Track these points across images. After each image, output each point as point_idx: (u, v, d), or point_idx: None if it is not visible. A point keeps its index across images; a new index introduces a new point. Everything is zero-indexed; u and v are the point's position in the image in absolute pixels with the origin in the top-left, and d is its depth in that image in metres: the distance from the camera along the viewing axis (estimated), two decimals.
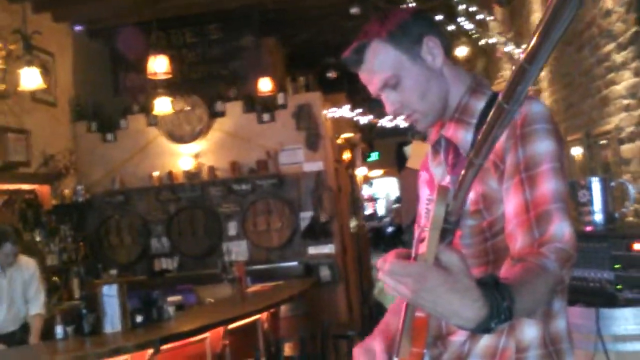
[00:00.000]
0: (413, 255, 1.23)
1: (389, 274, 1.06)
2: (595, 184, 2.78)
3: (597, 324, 2.48)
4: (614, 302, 2.53)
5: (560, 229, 1.29)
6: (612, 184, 2.87)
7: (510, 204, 1.36)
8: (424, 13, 1.57)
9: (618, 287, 2.54)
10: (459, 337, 1.46)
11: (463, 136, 1.48)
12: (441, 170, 1.53)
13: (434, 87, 1.50)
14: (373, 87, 1.53)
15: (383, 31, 1.49)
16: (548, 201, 1.32)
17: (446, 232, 1.16)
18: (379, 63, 1.49)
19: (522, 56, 0.87)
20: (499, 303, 1.05)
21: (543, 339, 1.40)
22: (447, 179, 1.47)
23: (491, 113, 1.00)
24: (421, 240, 1.26)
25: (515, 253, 1.30)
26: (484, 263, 1.44)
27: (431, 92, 1.50)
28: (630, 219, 3.07)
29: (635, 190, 3.00)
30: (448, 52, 1.54)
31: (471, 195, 1.40)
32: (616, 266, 2.56)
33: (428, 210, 1.46)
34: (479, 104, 1.48)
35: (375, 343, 1.55)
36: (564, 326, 1.44)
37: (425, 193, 1.62)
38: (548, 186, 1.33)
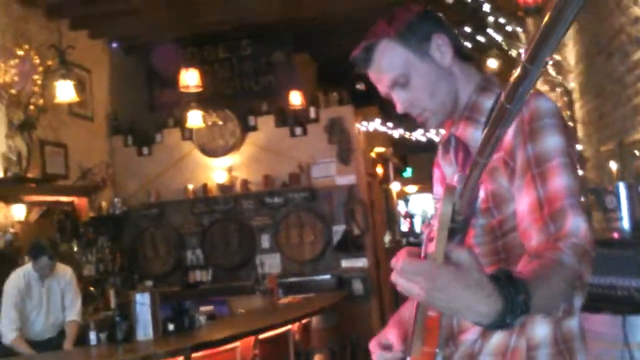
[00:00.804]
0: (423, 254, 1.24)
1: (400, 273, 1.05)
2: (623, 190, 2.75)
3: (624, 331, 2.45)
4: None
5: (576, 224, 1.28)
6: None
7: (523, 202, 1.36)
8: (432, 12, 1.58)
9: None
10: (471, 335, 1.46)
11: (472, 134, 1.47)
12: (452, 168, 1.53)
13: (443, 85, 1.51)
14: (382, 86, 1.54)
15: (391, 30, 1.50)
16: (561, 197, 1.31)
17: (454, 231, 1.16)
18: (388, 62, 1.51)
19: (524, 56, 0.87)
20: (513, 296, 1.02)
21: (555, 337, 1.39)
22: (455, 178, 1.48)
23: (494, 113, 1.02)
24: (430, 240, 1.27)
25: (532, 249, 1.29)
26: (495, 262, 1.43)
27: (440, 90, 1.50)
28: None
29: None
30: (458, 50, 1.54)
31: (481, 194, 1.40)
32: None
33: (436, 209, 1.48)
34: (488, 102, 1.48)
35: (391, 335, 1.57)
36: (576, 324, 1.42)
37: (438, 191, 1.63)
38: (559, 182, 1.33)
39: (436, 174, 1.65)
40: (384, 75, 1.52)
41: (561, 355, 1.40)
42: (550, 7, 0.79)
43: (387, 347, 1.61)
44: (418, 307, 1.17)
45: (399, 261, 1.06)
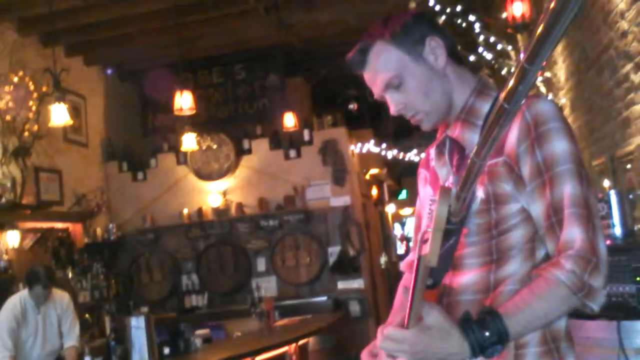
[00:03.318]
0: (416, 256, 1.24)
1: (385, 340, 1.29)
2: (614, 198, 2.77)
3: (620, 337, 2.45)
4: (636, 315, 2.49)
5: (571, 235, 1.30)
6: (630, 196, 2.86)
7: (537, 208, 1.38)
8: (427, 15, 1.60)
9: None
10: None
11: (469, 137, 1.48)
12: (446, 171, 1.53)
13: (437, 86, 1.51)
14: (377, 88, 1.55)
15: (386, 32, 1.52)
16: (564, 207, 1.33)
17: (449, 232, 1.17)
18: (382, 63, 1.52)
19: (523, 57, 0.89)
20: (477, 334, 1.26)
21: (543, 335, 1.40)
22: (450, 180, 1.48)
23: (492, 113, 1.03)
24: (424, 242, 1.27)
25: (538, 267, 1.37)
26: (487, 262, 1.43)
27: (434, 91, 1.51)
28: None
29: None
30: (453, 53, 1.55)
31: (481, 194, 1.40)
32: (638, 279, 2.53)
33: (431, 211, 1.47)
34: (485, 106, 1.49)
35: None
36: (563, 325, 1.43)
37: (426, 192, 1.62)
38: (565, 190, 1.34)
39: (422, 174, 1.65)
40: (378, 77, 1.53)
41: (550, 355, 1.39)
42: (548, 8, 0.81)
43: (375, 350, 1.63)
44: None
45: (384, 331, 1.30)
